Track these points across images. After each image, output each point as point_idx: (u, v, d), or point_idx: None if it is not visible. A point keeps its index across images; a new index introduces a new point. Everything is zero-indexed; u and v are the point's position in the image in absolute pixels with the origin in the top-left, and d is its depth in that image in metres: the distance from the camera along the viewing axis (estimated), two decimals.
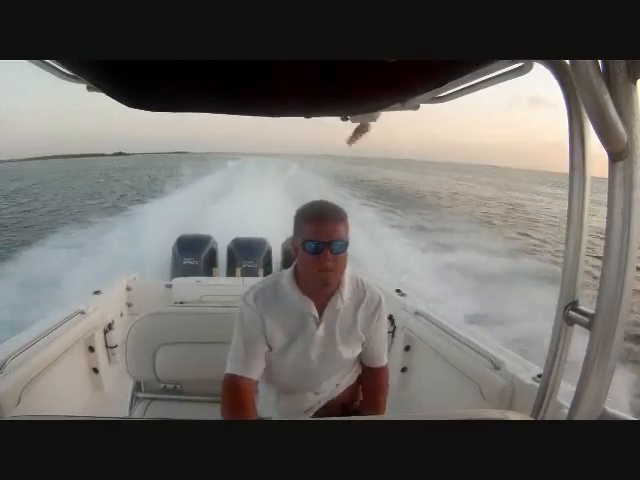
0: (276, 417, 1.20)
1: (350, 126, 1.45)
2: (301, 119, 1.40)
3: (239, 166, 21.54)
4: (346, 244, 1.02)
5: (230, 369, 1.08)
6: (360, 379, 1.27)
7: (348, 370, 1.21)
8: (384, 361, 1.24)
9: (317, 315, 1.09)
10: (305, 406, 1.19)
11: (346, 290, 1.11)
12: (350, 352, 1.16)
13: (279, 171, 18.85)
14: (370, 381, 1.26)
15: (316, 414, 1.19)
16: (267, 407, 1.21)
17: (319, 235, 0.99)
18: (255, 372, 1.09)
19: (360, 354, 1.21)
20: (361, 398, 1.29)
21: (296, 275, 1.11)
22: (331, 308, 1.10)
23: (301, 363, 1.12)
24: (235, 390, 1.06)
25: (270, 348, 1.11)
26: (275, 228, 4.48)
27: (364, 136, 1.44)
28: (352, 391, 1.24)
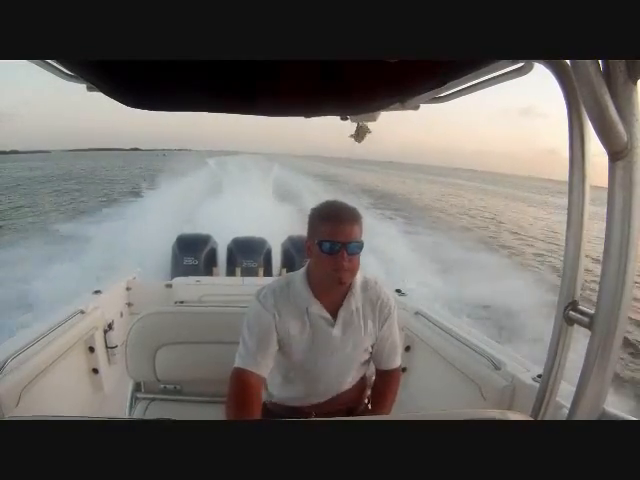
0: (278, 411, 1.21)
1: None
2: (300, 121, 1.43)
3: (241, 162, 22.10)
4: (361, 245, 1.03)
5: (239, 364, 1.07)
6: (364, 382, 1.26)
7: (356, 371, 1.20)
8: (397, 363, 1.23)
9: (329, 316, 1.10)
10: (309, 407, 1.18)
11: (359, 290, 1.12)
12: (361, 353, 1.16)
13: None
14: (381, 382, 1.25)
15: (318, 415, 1.18)
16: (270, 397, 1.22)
17: (336, 236, 1.00)
18: (264, 369, 1.08)
19: (372, 356, 1.21)
20: (365, 401, 1.29)
21: (309, 276, 1.11)
22: (346, 308, 1.11)
23: (311, 363, 1.12)
24: (243, 385, 1.05)
25: (280, 347, 1.11)
26: None
27: (367, 135, 1.47)
28: (356, 394, 1.23)
